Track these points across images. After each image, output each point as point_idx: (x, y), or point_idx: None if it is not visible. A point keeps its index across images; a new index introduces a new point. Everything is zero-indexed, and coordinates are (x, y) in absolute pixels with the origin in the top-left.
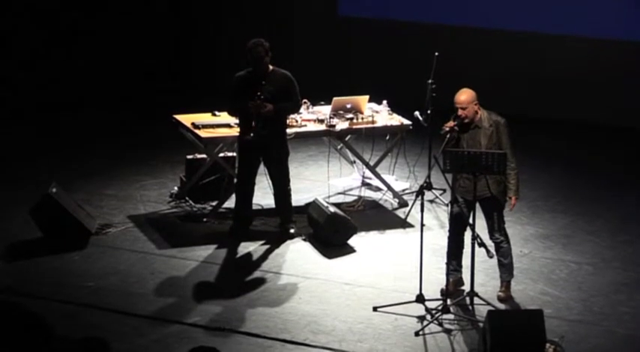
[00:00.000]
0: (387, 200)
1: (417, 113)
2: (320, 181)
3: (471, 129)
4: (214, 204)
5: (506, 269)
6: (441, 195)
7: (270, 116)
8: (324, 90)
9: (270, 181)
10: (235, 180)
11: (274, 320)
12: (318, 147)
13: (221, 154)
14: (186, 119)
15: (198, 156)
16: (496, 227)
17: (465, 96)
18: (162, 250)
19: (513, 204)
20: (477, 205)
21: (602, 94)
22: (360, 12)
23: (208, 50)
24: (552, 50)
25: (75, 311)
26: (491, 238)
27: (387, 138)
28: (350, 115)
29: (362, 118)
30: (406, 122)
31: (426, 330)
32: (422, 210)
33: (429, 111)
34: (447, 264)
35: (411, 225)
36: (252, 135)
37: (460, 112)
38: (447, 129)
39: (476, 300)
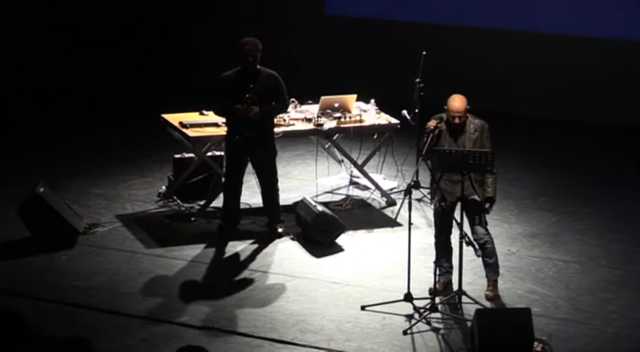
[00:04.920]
0: (375, 199)
1: (404, 112)
2: (308, 180)
3: (456, 133)
4: (202, 203)
5: (491, 268)
6: (428, 193)
7: (257, 119)
8: (312, 90)
9: (258, 180)
10: (223, 179)
11: (262, 319)
12: (305, 146)
13: (209, 153)
14: (173, 118)
15: (186, 155)
16: (480, 227)
17: (460, 103)
18: (151, 249)
19: (490, 207)
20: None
21: (599, 93)
22: (347, 11)
23: (196, 49)
24: (545, 49)
25: (62, 311)
26: (475, 239)
27: (375, 137)
28: (338, 114)
29: (350, 117)
30: (394, 121)
31: (414, 329)
32: (410, 209)
33: (416, 110)
34: (437, 264)
35: (399, 224)
36: (237, 137)
37: (457, 121)
38: (432, 127)
39: (464, 299)
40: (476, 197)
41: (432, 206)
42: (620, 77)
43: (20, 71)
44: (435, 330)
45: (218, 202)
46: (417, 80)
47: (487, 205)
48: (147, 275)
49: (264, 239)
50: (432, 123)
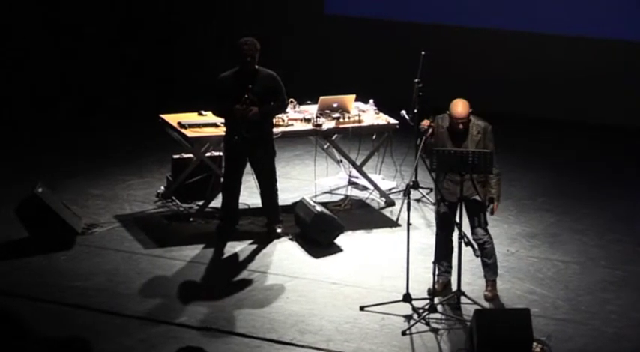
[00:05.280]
0: (374, 199)
1: (403, 112)
2: (307, 180)
3: (459, 135)
4: (201, 203)
5: (490, 269)
6: (427, 194)
7: (256, 119)
8: (311, 90)
9: (256, 181)
10: (222, 180)
11: (261, 319)
12: (304, 147)
13: (207, 153)
14: (172, 118)
15: (185, 155)
16: (480, 228)
17: (462, 108)
18: (149, 250)
19: (494, 209)
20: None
21: (599, 93)
22: (346, 11)
23: (195, 48)
24: (545, 49)
25: (61, 312)
26: (475, 239)
27: (374, 137)
28: (336, 114)
29: (348, 117)
30: (393, 121)
31: (413, 329)
32: (408, 209)
33: (415, 111)
34: (436, 264)
35: (397, 224)
36: (236, 137)
37: (461, 127)
38: (426, 126)
39: (463, 299)
40: (477, 197)
41: (434, 206)
42: (620, 77)
43: (20, 71)
44: (434, 331)
45: (217, 202)
46: (416, 80)
47: (490, 207)
48: (145, 276)
49: (263, 239)
50: (425, 123)
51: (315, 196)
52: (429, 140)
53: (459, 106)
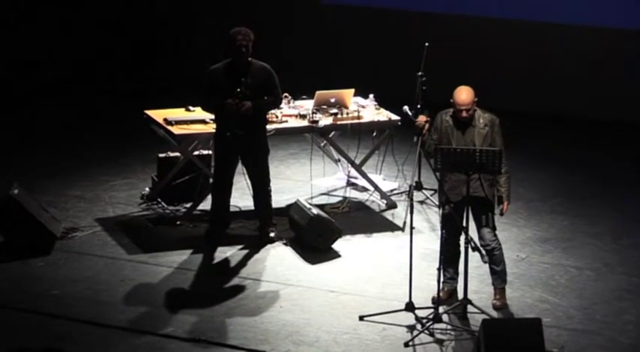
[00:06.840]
0: (374, 201)
1: (406, 108)
2: (302, 181)
3: (464, 128)
4: (189, 205)
5: (498, 276)
6: (431, 195)
7: (249, 115)
8: (307, 84)
9: (248, 181)
10: (211, 180)
11: (253, 330)
12: (300, 145)
13: (196, 152)
14: (158, 114)
15: (171, 154)
16: (487, 228)
17: (466, 95)
18: (133, 255)
19: (505, 210)
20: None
21: (616, 88)
22: (344, 0)
23: (182, 40)
24: (551, 41)
25: (39, 321)
26: (482, 244)
27: (374, 134)
28: (334, 110)
29: (347, 113)
30: (394, 117)
31: (416, 341)
32: (411, 212)
33: (418, 106)
34: (441, 271)
35: (399, 228)
36: (228, 134)
37: (465, 114)
38: (423, 122)
39: (469, 308)
40: (484, 195)
41: (439, 208)
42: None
43: None
44: (439, 342)
45: (206, 205)
46: (419, 73)
47: (500, 207)
48: (129, 283)
49: (255, 244)
50: (421, 119)
51: (312, 198)
52: (427, 137)
53: (463, 93)
